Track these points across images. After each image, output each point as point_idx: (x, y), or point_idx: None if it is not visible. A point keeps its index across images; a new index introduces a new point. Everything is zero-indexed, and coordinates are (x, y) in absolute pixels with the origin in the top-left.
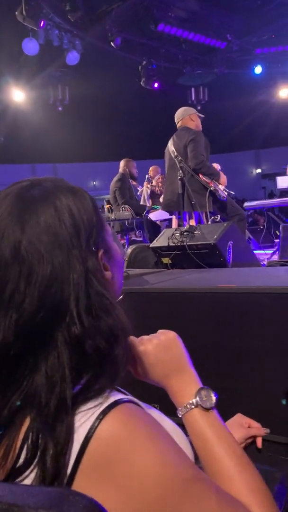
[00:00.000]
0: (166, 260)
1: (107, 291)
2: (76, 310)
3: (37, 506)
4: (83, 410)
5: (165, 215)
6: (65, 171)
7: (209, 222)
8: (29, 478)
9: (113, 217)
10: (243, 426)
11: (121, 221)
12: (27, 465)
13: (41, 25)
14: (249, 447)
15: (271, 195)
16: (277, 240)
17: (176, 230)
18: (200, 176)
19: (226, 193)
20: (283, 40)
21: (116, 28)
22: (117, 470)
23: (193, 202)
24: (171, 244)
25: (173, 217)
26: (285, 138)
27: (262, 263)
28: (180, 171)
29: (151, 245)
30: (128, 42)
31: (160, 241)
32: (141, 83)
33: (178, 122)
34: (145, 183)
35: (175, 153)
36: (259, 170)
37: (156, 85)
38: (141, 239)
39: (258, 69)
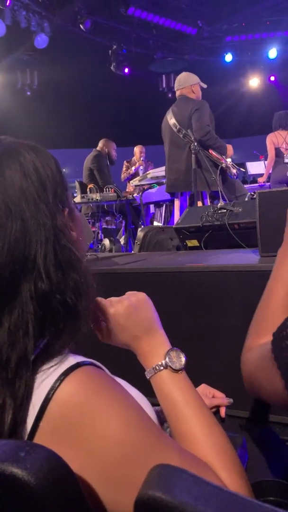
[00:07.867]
0: (193, 243)
1: (75, 247)
2: (44, 265)
3: None
4: (44, 369)
5: (156, 197)
6: None
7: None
8: None
9: (99, 198)
10: (207, 396)
11: (100, 204)
12: None
13: (7, 3)
14: None
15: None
16: None
17: (211, 207)
18: (210, 151)
19: (235, 170)
20: (253, 28)
21: (85, 10)
22: (80, 434)
23: (212, 178)
24: (206, 223)
25: (176, 199)
26: (255, 128)
27: None
28: (195, 143)
29: (175, 226)
30: (98, 25)
31: (186, 221)
32: (112, 68)
33: (177, 90)
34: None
35: (178, 126)
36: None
37: (126, 70)
38: (113, 227)
39: (228, 57)
